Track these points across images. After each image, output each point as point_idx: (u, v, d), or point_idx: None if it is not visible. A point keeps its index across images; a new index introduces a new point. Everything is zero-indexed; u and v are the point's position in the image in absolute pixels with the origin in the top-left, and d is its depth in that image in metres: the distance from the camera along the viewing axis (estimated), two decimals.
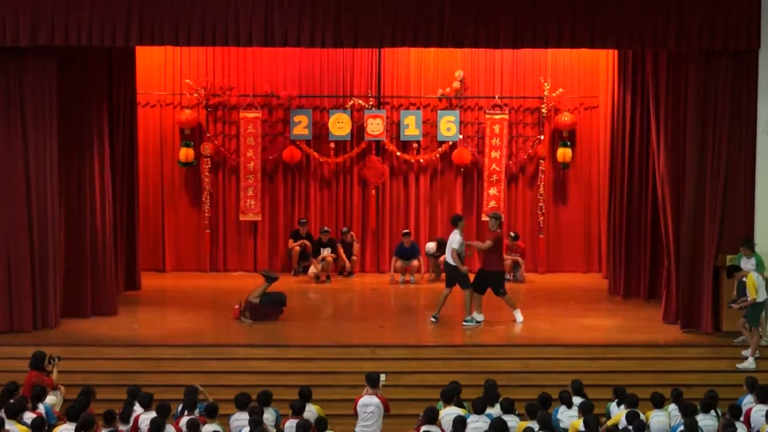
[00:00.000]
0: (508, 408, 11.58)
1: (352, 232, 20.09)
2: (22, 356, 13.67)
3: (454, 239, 16.04)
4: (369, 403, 11.86)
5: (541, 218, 20.43)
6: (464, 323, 15.93)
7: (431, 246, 19.61)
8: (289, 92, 20.13)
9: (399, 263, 19.55)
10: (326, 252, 19.62)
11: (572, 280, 19.35)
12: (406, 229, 19.89)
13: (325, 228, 19.88)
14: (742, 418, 11.56)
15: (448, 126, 20.15)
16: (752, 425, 11.64)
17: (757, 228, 15.56)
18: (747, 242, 15.03)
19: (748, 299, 14.55)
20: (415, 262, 19.58)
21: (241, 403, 11.71)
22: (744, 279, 14.63)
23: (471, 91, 20.35)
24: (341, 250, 19.90)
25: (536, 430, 11.01)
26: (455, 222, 16.33)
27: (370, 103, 20.27)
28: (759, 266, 14.82)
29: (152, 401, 11.68)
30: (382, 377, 12.51)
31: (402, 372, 14.15)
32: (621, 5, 15.13)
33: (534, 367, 14.52)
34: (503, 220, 16.84)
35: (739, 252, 15.08)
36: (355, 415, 11.97)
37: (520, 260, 19.69)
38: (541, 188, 20.39)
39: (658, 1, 15.12)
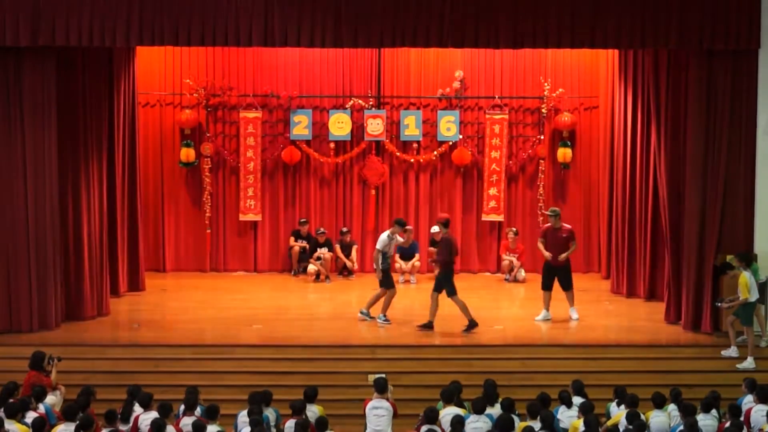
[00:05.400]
0: (509, 407, 11.58)
1: (350, 235, 20.05)
2: (22, 356, 13.68)
3: (380, 238, 16.34)
4: (379, 405, 11.84)
5: (541, 218, 20.41)
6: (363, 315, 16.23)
7: (437, 229, 19.60)
8: (289, 92, 20.14)
9: (398, 264, 19.54)
10: (323, 251, 19.63)
11: (572, 280, 19.30)
12: (409, 226, 19.87)
13: (322, 229, 19.87)
14: (742, 418, 11.57)
15: (448, 126, 20.15)
16: (752, 425, 11.65)
17: (757, 228, 15.57)
18: (740, 255, 14.84)
19: (740, 299, 14.56)
20: (416, 262, 19.58)
21: (255, 401, 11.69)
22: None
23: (471, 91, 20.34)
24: (338, 250, 19.90)
25: (537, 429, 11.01)
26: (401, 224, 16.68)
27: (370, 103, 20.27)
28: (755, 275, 14.78)
29: (152, 401, 11.69)
30: (370, 378, 12.55)
31: (402, 372, 14.16)
32: (621, 5, 15.13)
33: (534, 367, 14.53)
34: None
35: (739, 251, 15.07)
36: (365, 418, 11.94)
37: (516, 262, 19.67)
38: (541, 188, 20.39)
39: (659, 2, 15.13)
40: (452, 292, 15.73)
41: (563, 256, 16.41)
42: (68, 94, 16.11)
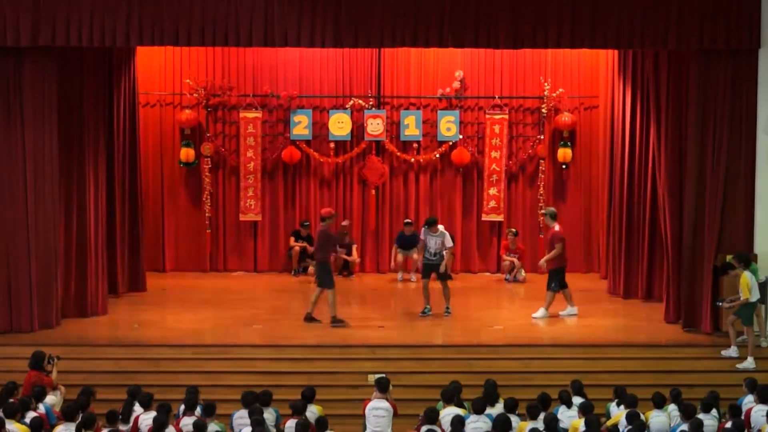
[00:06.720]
0: (512, 408, 11.59)
1: (348, 236, 20.04)
2: (22, 356, 13.66)
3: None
4: (379, 406, 11.83)
5: (541, 218, 20.40)
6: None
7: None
8: (289, 92, 20.14)
9: (400, 256, 19.55)
10: None
11: (572, 280, 19.25)
12: (408, 219, 19.89)
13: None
14: (742, 418, 11.57)
15: (448, 126, 20.15)
16: (752, 425, 11.64)
17: (757, 227, 15.57)
18: (739, 256, 14.80)
19: (741, 298, 14.55)
20: (415, 255, 19.49)
21: (247, 401, 11.71)
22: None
23: (471, 91, 20.34)
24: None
25: (541, 430, 11.00)
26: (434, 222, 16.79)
27: (370, 103, 20.27)
28: (754, 275, 14.75)
29: (152, 401, 11.69)
30: (370, 378, 12.62)
31: (402, 372, 14.16)
32: (621, 5, 15.13)
33: (534, 367, 14.53)
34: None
35: (738, 252, 15.06)
36: (364, 418, 11.94)
37: (516, 262, 19.69)
38: (541, 188, 20.39)
39: (658, 1, 15.13)
40: (330, 285, 15.98)
41: (541, 261, 16.72)
42: (68, 94, 16.12)
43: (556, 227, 16.72)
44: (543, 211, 17.12)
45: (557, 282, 16.59)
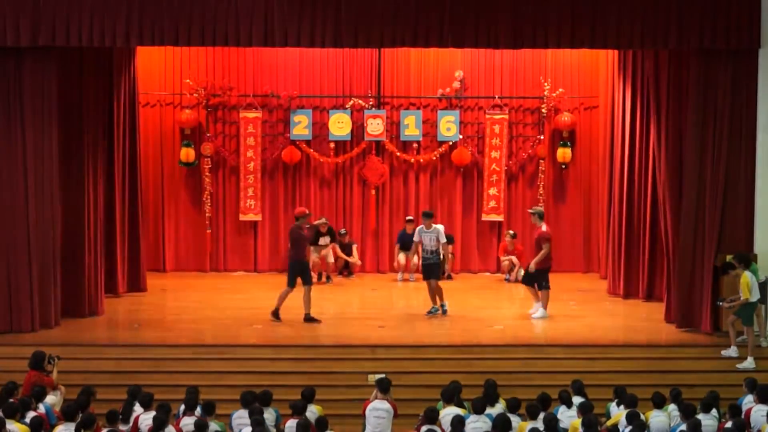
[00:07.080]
0: (514, 408, 11.59)
1: (348, 236, 20.03)
2: (22, 356, 13.66)
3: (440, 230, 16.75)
4: (379, 407, 11.83)
5: None
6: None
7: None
8: (289, 92, 20.14)
9: (402, 257, 19.54)
10: (326, 240, 19.52)
11: (572, 280, 19.33)
12: (410, 216, 19.88)
13: (324, 219, 19.70)
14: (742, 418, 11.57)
15: (448, 126, 20.16)
16: (752, 425, 11.64)
17: (757, 228, 15.56)
18: (739, 256, 14.78)
19: (741, 298, 14.55)
20: (414, 259, 19.51)
21: (247, 401, 11.71)
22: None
23: (471, 91, 20.35)
24: (338, 251, 19.86)
25: (541, 430, 11.00)
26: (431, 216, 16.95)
27: (370, 103, 20.27)
28: (755, 275, 14.74)
29: (152, 401, 11.69)
30: (370, 378, 12.61)
31: (402, 372, 14.15)
32: (621, 5, 15.13)
33: (534, 367, 14.52)
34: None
35: (738, 252, 15.05)
36: (364, 418, 11.95)
37: (515, 260, 19.70)
38: (541, 188, 20.39)
39: (658, 1, 15.13)
40: (291, 284, 16.19)
41: (531, 265, 16.58)
42: (68, 95, 16.12)
43: (543, 227, 16.67)
44: (531, 211, 17.05)
45: (546, 280, 16.57)
